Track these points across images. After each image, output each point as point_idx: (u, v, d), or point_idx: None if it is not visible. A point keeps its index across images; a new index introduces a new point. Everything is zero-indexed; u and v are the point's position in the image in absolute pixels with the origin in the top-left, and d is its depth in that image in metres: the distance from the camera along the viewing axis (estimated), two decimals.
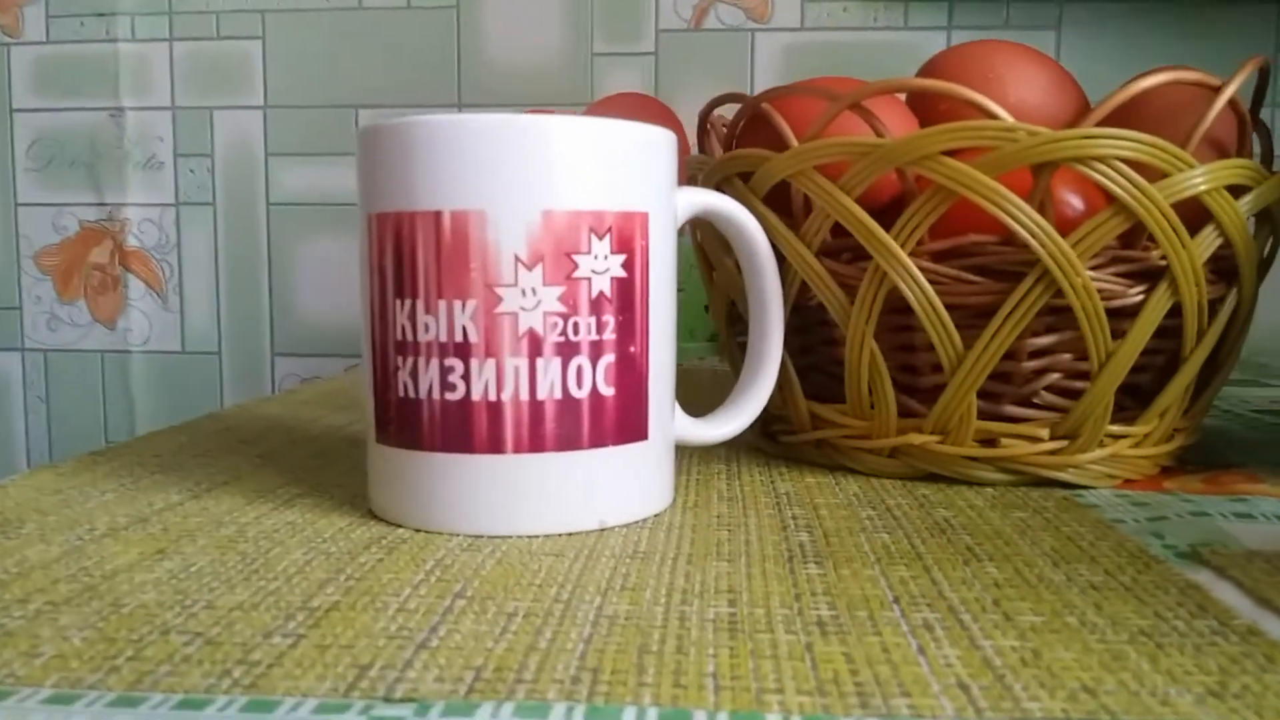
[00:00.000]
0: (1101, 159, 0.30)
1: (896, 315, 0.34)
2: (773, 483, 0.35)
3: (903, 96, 0.38)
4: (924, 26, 0.79)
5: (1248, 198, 0.32)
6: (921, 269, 0.32)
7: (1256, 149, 0.36)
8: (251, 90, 0.86)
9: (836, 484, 0.34)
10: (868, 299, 0.33)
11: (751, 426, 0.34)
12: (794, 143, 0.34)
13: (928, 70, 0.38)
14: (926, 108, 0.37)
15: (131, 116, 0.87)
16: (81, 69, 0.87)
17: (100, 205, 0.88)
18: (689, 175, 0.39)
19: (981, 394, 0.34)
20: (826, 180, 0.33)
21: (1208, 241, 0.32)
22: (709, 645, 0.20)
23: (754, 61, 0.81)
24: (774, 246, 0.33)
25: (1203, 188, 0.31)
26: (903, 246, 0.32)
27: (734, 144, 0.37)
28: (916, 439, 0.34)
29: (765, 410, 0.35)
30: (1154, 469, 0.36)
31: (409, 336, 0.28)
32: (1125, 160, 0.30)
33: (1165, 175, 0.31)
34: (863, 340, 0.34)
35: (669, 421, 0.31)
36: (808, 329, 0.37)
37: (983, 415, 0.34)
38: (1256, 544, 0.28)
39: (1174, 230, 0.31)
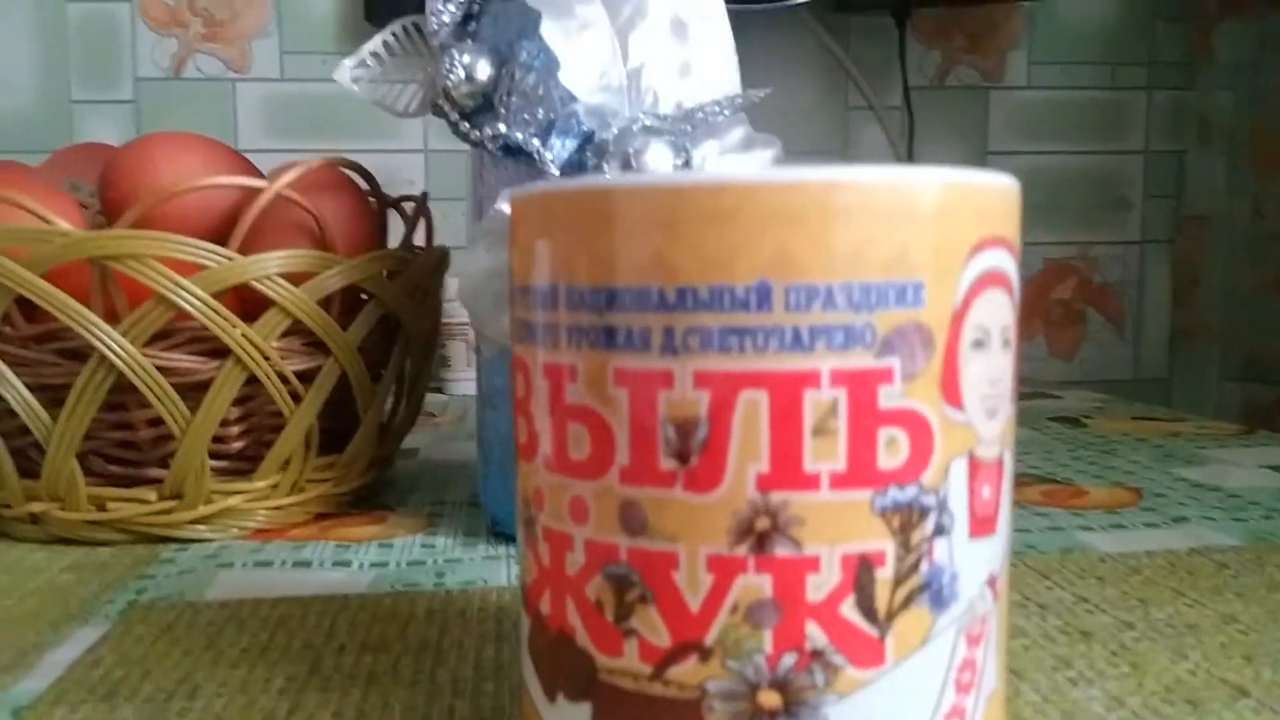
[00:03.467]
0: (136, 257, 0.34)
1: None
2: None
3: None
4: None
5: (312, 282, 0.37)
6: (8, 354, 0.35)
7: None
8: None
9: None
10: None
11: None
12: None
13: (107, 164, 0.42)
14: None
15: None
16: None
17: None
18: None
19: (114, 460, 0.38)
20: None
21: (274, 321, 0.37)
22: None
23: (236, 110, 0.83)
24: None
25: (249, 278, 0.36)
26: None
27: None
28: (38, 507, 0.37)
29: None
30: (304, 516, 0.41)
31: None
32: (160, 258, 0.35)
33: (203, 268, 0.35)
34: None
35: None
36: None
37: (112, 482, 0.38)
38: (215, 594, 0.32)
39: (219, 315, 0.35)
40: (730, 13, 0.36)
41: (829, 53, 0.88)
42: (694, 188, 0.17)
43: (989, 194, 0.18)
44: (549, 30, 0.32)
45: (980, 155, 0.91)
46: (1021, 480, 0.47)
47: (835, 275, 0.17)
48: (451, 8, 0.37)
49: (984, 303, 0.19)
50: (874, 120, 0.89)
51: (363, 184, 0.43)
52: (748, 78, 0.37)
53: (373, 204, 0.44)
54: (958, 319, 0.18)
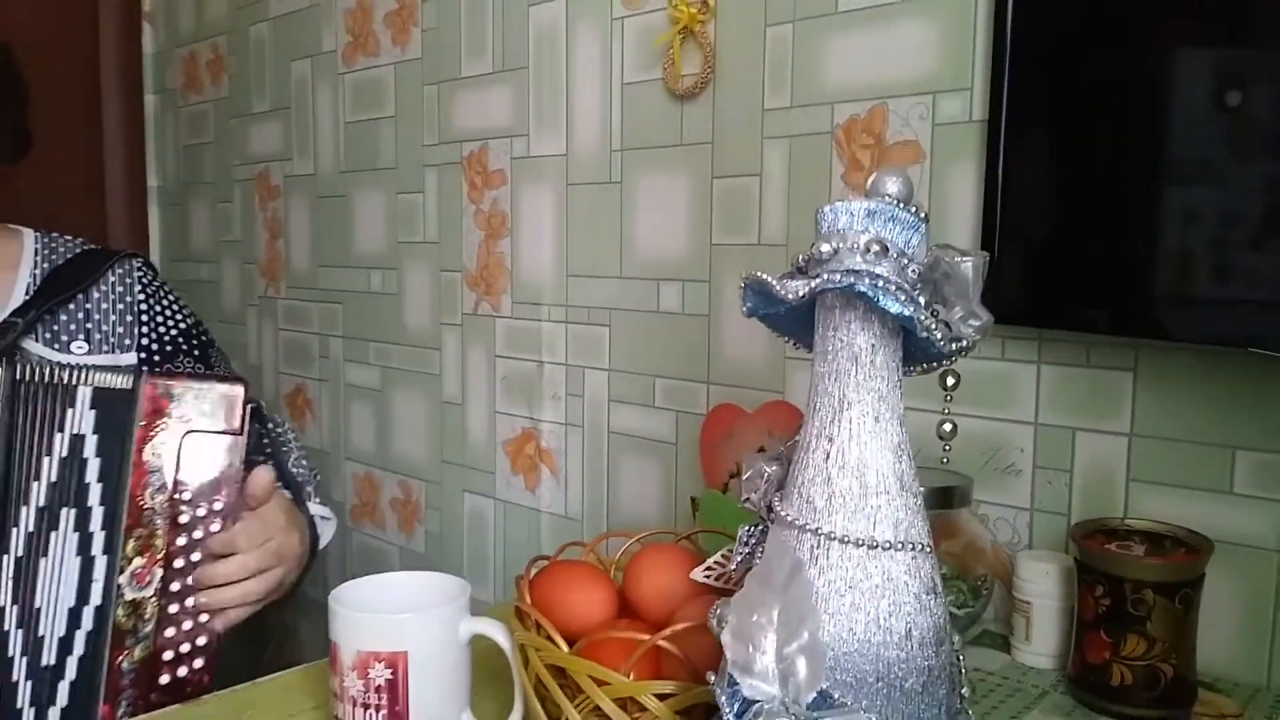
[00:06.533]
0: (576, 670, 0.61)
1: None
2: None
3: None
4: (1016, 359, 0.94)
5: (673, 700, 0.59)
6: (538, 690, 0.65)
7: None
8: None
9: None
10: None
11: None
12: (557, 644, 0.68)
13: (630, 563, 0.69)
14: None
15: (547, 367, 1.38)
16: (523, 335, 1.40)
17: (530, 418, 1.41)
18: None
19: None
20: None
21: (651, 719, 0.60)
22: None
23: None
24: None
25: (632, 694, 0.59)
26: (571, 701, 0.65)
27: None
28: None
29: None
30: None
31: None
32: (587, 674, 0.60)
33: (606, 684, 0.60)
34: None
35: None
36: None
37: None
38: None
39: (617, 711, 0.60)
40: None
41: None
42: None
43: None
44: (729, 646, 0.49)
45: None
46: None
47: None
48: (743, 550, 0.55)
49: None
50: None
51: None
52: None
53: None
54: None
